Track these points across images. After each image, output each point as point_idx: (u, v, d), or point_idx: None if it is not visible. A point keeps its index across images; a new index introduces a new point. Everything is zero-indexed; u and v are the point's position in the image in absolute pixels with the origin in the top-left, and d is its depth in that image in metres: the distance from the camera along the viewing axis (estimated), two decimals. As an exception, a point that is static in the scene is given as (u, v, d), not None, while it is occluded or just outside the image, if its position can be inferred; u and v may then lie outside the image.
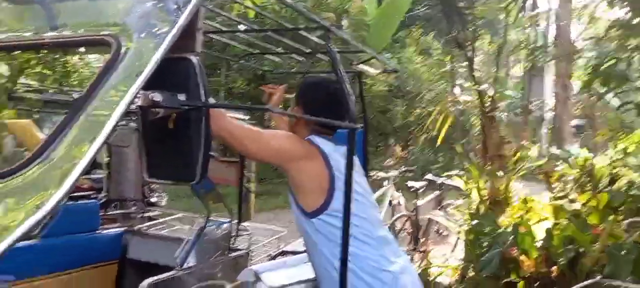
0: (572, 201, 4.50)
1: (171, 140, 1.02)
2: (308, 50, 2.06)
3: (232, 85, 11.88)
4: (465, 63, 5.18)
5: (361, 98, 2.52)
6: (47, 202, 0.77)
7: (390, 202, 5.74)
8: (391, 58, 10.94)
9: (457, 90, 4.95)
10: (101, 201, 3.31)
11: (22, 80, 4.11)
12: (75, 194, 3.00)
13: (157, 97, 0.91)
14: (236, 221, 2.67)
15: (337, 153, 1.66)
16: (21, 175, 0.82)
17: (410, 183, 5.46)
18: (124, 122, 3.09)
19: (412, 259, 4.95)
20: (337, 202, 1.59)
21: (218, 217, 2.77)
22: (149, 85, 0.98)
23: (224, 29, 2.10)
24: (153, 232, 2.98)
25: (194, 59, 0.98)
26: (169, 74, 1.00)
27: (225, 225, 2.66)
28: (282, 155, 1.60)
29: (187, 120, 0.99)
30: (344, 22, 11.04)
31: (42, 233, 2.56)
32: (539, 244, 3.73)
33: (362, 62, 2.08)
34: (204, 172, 1.01)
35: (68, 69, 7.22)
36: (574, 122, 11.86)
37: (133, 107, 0.93)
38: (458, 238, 5.40)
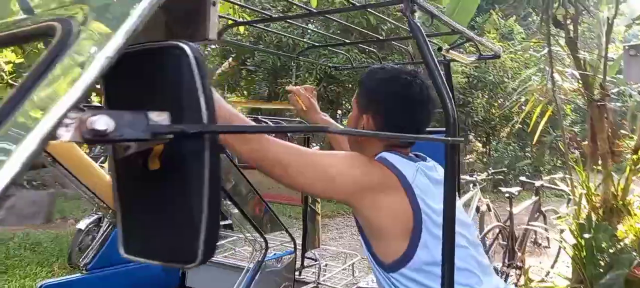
0: None
1: (154, 192, 0.60)
2: (381, 38, 1.60)
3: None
4: (564, 44, 4.40)
5: (451, 91, 2.01)
6: None
7: (477, 208, 5.08)
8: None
9: (555, 76, 4.18)
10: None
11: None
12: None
13: (101, 123, 0.48)
14: (301, 249, 2.27)
15: (421, 176, 1.17)
16: None
17: (504, 189, 4.77)
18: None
19: (507, 276, 4.29)
20: (426, 250, 1.12)
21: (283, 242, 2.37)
22: (114, 97, 0.59)
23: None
24: (213, 258, 2.65)
25: (188, 48, 0.55)
26: (148, 76, 0.58)
27: (289, 255, 2.25)
28: (346, 189, 1.13)
29: (180, 156, 0.57)
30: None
31: (90, 265, 2.31)
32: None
33: (453, 47, 1.57)
34: (211, 245, 0.57)
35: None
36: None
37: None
38: (560, 249, 4.65)
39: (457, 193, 1.00)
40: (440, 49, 1.57)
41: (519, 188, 4.86)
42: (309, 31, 10.23)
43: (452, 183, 0.94)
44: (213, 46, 15.19)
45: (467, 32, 1.36)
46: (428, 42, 1.03)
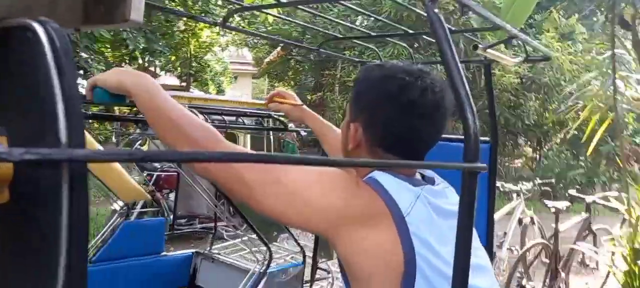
0: None
1: (5, 231, 0.43)
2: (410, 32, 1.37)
3: (347, 79, 11.40)
4: (631, 48, 3.97)
5: (490, 95, 1.75)
6: None
7: (520, 220, 4.72)
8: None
9: (618, 82, 3.77)
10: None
11: None
12: (142, 210, 2.68)
13: None
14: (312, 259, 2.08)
15: (421, 206, 0.91)
16: None
17: (549, 204, 4.38)
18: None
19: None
20: None
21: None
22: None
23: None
24: (223, 258, 2.51)
25: (43, 30, 0.37)
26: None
27: (296, 267, 2.07)
28: (322, 218, 0.88)
29: (33, 187, 0.39)
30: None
31: (94, 257, 2.21)
32: None
33: (492, 46, 1.32)
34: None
35: None
36: None
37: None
38: (609, 273, 4.24)
39: (473, 233, 0.77)
40: (475, 46, 1.32)
41: (567, 204, 4.45)
42: (355, 25, 10.02)
43: (468, 223, 0.72)
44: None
45: (509, 27, 1.11)
46: (449, 37, 0.81)
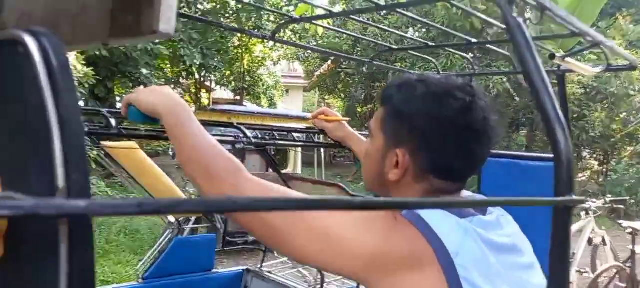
0: None
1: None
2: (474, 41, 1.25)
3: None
4: None
5: (564, 109, 1.59)
6: None
7: (590, 240, 4.37)
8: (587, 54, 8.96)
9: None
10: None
11: None
12: (194, 226, 2.66)
13: None
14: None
15: (472, 243, 0.78)
16: None
17: (625, 224, 4.03)
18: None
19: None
20: None
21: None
22: None
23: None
24: (274, 276, 2.45)
25: (37, 44, 0.29)
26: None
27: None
28: (357, 261, 0.76)
29: (29, 241, 0.31)
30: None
31: (146, 273, 2.20)
32: None
33: (574, 54, 1.18)
34: None
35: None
36: None
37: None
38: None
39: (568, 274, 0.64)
40: (552, 56, 1.18)
41: (645, 224, 4.09)
42: (408, 35, 9.85)
43: (561, 269, 0.60)
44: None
45: (593, 33, 0.97)
46: (532, 45, 0.69)
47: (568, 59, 1.21)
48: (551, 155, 0.65)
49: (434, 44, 1.50)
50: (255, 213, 0.77)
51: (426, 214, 0.79)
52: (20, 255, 0.33)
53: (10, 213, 0.23)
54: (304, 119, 5.59)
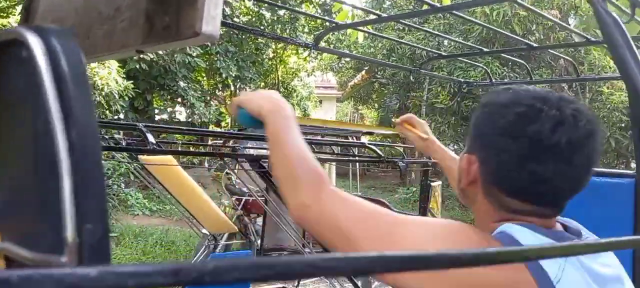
0: None
1: None
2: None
3: (434, 101, 11.00)
4: None
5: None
6: None
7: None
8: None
9: None
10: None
11: None
12: (227, 243, 2.60)
13: None
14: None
15: (573, 271, 0.68)
16: None
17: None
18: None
19: None
20: None
21: None
22: None
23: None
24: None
25: (42, 47, 0.21)
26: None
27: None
28: (450, 284, 0.67)
29: None
30: (571, 21, 9.15)
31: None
32: None
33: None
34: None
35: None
36: None
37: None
38: None
39: None
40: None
41: None
42: (444, 43, 9.65)
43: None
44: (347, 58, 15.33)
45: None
46: (632, 43, 0.58)
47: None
48: (626, 171, 0.54)
49: (487, 50, 1.39)
50: (344, 236, 0.73)
51: (520, 236, 0.71)
52: None
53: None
54: (365, 134, 5.54)
